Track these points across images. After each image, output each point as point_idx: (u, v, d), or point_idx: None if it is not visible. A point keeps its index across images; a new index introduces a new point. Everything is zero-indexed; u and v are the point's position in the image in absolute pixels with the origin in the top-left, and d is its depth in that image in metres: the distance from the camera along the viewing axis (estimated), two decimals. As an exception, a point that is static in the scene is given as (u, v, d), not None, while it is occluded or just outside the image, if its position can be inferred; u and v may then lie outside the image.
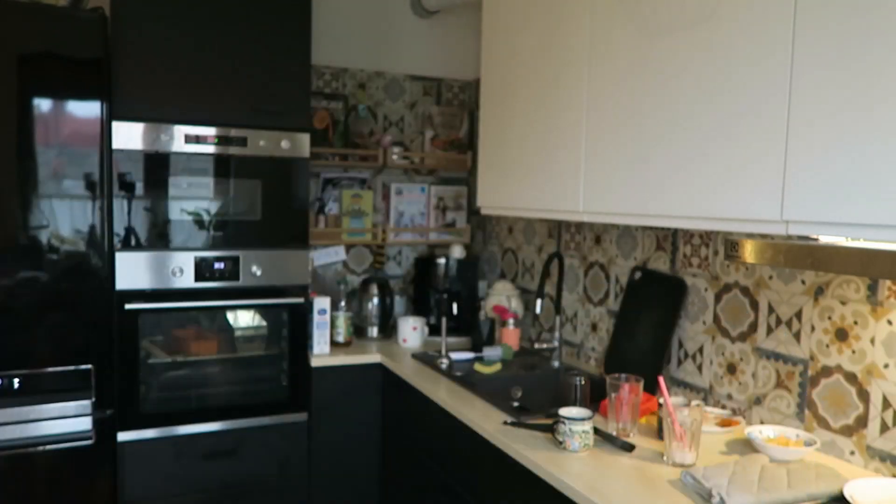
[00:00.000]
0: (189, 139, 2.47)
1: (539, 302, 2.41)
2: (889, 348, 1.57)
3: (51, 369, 2.29)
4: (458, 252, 3.13)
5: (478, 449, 1.95)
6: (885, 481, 1.45)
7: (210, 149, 2.50)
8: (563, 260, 2.66)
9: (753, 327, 1.91)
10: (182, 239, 2.50)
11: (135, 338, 2.43)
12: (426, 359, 2.61)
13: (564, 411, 1.76)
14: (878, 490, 1.40)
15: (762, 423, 1.87)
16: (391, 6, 3.26)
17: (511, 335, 2.70)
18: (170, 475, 2.50)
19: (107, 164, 2.33)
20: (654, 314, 2.22)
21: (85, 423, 2.33)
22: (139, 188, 2.42)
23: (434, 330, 2.98)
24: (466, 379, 2.36)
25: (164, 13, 2.40)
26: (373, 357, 2.74)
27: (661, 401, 1.66)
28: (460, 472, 2.11)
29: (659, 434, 1.77)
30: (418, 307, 3.18)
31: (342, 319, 2.83)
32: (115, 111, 2.35)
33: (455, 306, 3.04)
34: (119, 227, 2.40)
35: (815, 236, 1.41)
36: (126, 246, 2.42)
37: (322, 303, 2.71)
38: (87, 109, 2.28)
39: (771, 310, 1.86)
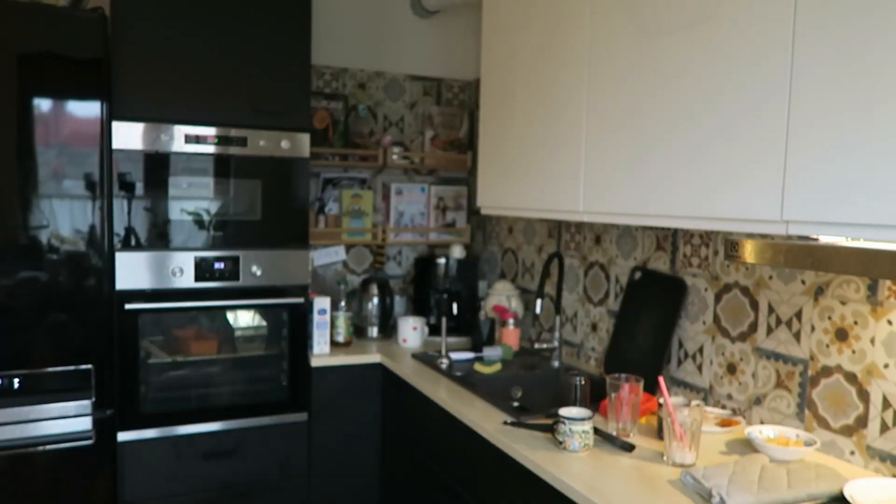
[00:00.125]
0: (189, 139, 2.47)
1: (539, 302, 2.41)
2: (889, 348, 1.58)
3: (51, 369, 2.29)
4: (458, 252, 3.13)
5: (478, 449, 1.95)
6: (885, 481, 1.45)
7: (210, 149, 2.50)
8: (563, 260, 2.66)
9: (753, 327, 1.91)
10: (182, 239, 2.50)
11: (135, 338, 2.43)
12: (426, 359, 2.61)
13: (564, 411, 1.76)
14: (878, 490, 1.40)
15: (762, 423, 1.87)
16: (391, 6, 3.26)
17: (511, 335, 2.70)
18: (170, 475, 2.50)
19: (107, 164, 2.33)
20: (654, 314, 2.22)
21: (85, 423, 2.33)
22: (139, 188, 2.42)
23: (434, 330, 2.98)
24: (466, 379, 2.36)
25: (164, 13, 2.40)
26: (373, 357, 2.74)
27: (661, 401, 1.66)
28: (460, 472, 2.11)
29: (659, 434, 1.77)
30: (418, 307, 3.18)
31: (342, 319, 2.83)
32: (115, 111, 2.35)
33: (455, 306, 3.04)
34: (119, 227, 2.40)
35: (815, 236, 1.41)
36: (126, 246, 2.42)
37: (322, 303, 2.71)
38: (87, 109, 2.28)
39: (771, 310, 1.86)
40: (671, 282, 2.18)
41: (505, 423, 1.90)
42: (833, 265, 1.29)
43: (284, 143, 2.59)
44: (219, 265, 2.53)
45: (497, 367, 2.52)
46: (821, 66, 1.29)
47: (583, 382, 2.05)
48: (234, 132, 2.53)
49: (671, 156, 1.65)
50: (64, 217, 2.27)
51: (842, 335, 1.68)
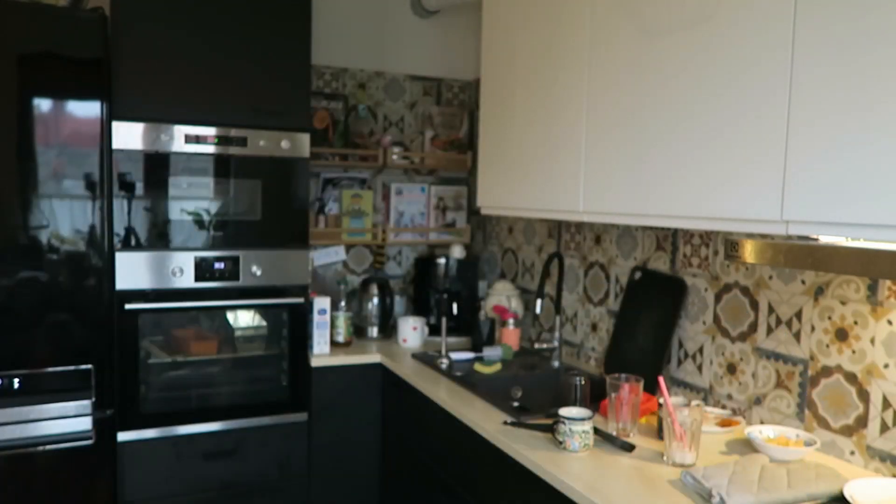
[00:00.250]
0: (189, 139, 2.47)
1: (539, 302, 2.41)
2: (889, 348, 1.58)
3: (51, 369, 2.29)
4: (458, 252, 3.13)
5: (478, 449, 1.95)
6: (885, 481, 1.45)
7: (210, 149, 2.50)
8: (563, 260, 2.66)
9: (753, 327, 1.91)
10: (182, 239, 2.50)
11: (135, 338, 2.43)
12: (426, 359, 2.61)
13: (564, 411, 1.76)
14: (878, 490, 1.40)
15: (762, 423, 1.88)
16: (391, 6, 3.26)
17: (511, 335, 2.70)
18: (170, 475, 2.50)
19: (107, 164, 2.33)
20: (654, 314, 2.22)
21: (85, 423, 2.33)
22: (139, 188, 2.42)
23: (434, 330, 2.98)
24: (466, 379, 2.36)
25: (164, 13, 2.40)
26: (373, 357, 2.74)
27: (661, 401, 1.66)
28: (460, 472, 2.11)
29: (659, 434, 1.77)
30: (418, 307, 3.18)
31: (342, 319, 2.83)
32: (115, 111, 2.35)
33: (455, 306, 3.04)
34: (119, 227, 2.40)
35: (815, 236, 1.41)
36: (126, 246, 2.41)
37: (322, 303, 2.71)
38: (87, 109, 2.28)
39: (771, 310, 1.86)
40: (671, 282, 2.18)
41: (505, 423, 1.90)
42: (833, 265, 1.29)
43: (284, 143, 2.59)
44: (219, 265, 2.53)
45: (497, 367, 2.52)
46: (821, 66, 1.29)
47: (583, 382, 2.04)
48: (234, 132, 2.53)
49: (671, 156, 1.65)
50: (64, 217, 2.27)
51: (842, 335, 1.68)
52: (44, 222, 2.25)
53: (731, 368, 1.98)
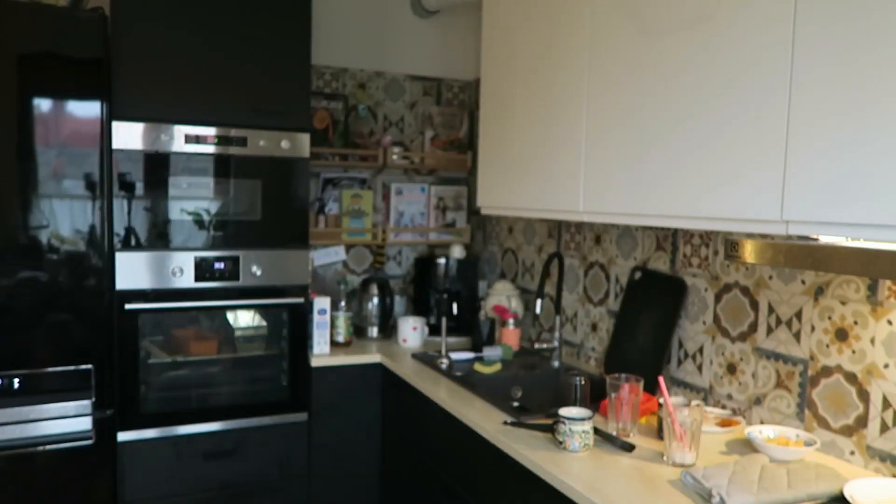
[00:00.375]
0: (189, 139, 2.47)
1: (539, 302, 2.41)
2: (889, 348, 1.57)
3: (51, 369, 2.29)
4: (458, 252, 3.13)
5: (478, 449, 1.95)
6: (885, 481, 1.45)
7: (210, 149, 2.50)
8: (563, 260, 2.66)
9: (753, 327, 1.91)
10: (182, 239, 2.50)
11: (135, 338, 2.43)
12: (426, 359, 2.61)
13: (564, 411, 1.76)
14: (878, 490, 1.40)
15: (762, 423, 1.87)
16: (391, 6, 3.26)
17: (511, 335, 2.70)
18: (170, 475, 2.50)
19: (107, 164, 2.33)
20: (654, 314, 2.22)
21: (85, 423, 2.33)
22: (139, 188, 2.42)
23: (434, 330, 2.98)
24: (466, 379, 2.36)
25: (164, 13, 2.40)
26: (373, 357, 2.74)
27: (661, 401, 1.66)
28: (460, 472, 2.11)
29: (659, 434, 1.77)
30: (418, 307, 3.18)
31: (342, 319, 2.83)
32: (115, 111, 2.35)
33: (455, 306, 3.04)
34: (119, 227, 2.40)
35: (815, 236, 1.41)
36: (126, 246, 2.42)
37: (322, 303, 2.71)
38: (86, 109, 2.28)
39: (771, 310, 1.86)
40: (671, 282, 2.18)
41: (505, 423, 1.90)
42: (833, 265, 1.29)
43: (284, 143, 2.59)
44: (219, 265, 2.53)
45: (497, 367, 2.52)
46: (821, 66, 1.29)
47: (583, 382, 2.05)
48: (234, 132, 2.53)
49: (671, 156, 1.65)
50: (64, 217, 2.27)
51: (842, 335, 1.68)
52: (44, 222, 2.25)
53: (731, 368, 1.98)
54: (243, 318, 2.69)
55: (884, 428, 1.58)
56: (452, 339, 2.93)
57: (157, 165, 2.44)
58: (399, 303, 3.26)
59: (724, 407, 2.00)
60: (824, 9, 1.29)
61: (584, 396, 2.04)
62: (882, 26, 1.19)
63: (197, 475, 2.54)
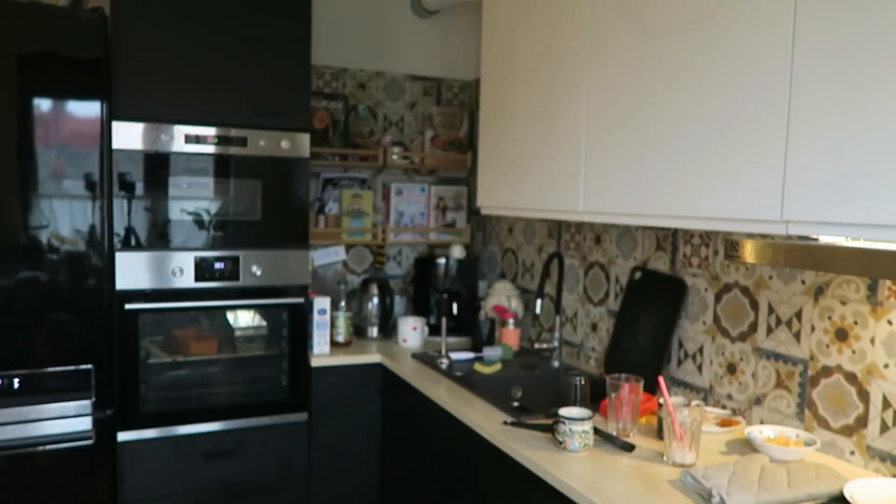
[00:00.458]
0: (189, 139, 2.47)
1: (539, 302, 2.41)
2: (889, 348, 1.57)
3: (51, 369, 2.29)
4: (458, 252, 3.13)
5: (478, 449, 1.95)
6: (885, 481, 1.45)
7: (210, 149, 2.50)
8: (563, 260, 2.66)
9: (753, 327, 1.91)
10: (182, 239, 2.50)
11: (135, 338, 2.43)
12: (426, 359, 2.61)
13: (564, 411, 1.76)
14: (878, 490, 1.40)
15: (762, 423, 1.87)
16: (391, 6, 3.26)
17: (511, 335, 2.70)
18: (170, 475, 2.50)
19: (107, 164, 2.33)
20: (654, 314, 2.22)
21: (85, 423, 2.33)
22: (139, 188, 2.42)
23: (434, 330, 2.98)
24: (466, 379, 2.36)
25: (164, 13, 2.40)
26: (373, 357, 2.74)
27: (661, 401, 1.66)
28: (460, 472, 2.11)
29: (659, 434, 1.77)
30: (418, 307, 3.18)
31: (342, 319, 2.83)
32: (115, 111, 2.35)
33: (455, 306, 3.04)
34: (119, 227, 2.40)
35: (815, 236, 1.41)
36: (126, 246, 2.42)
37: (322, 303, 2.71)
38: (86, 109, 2.28)
39: (771, 310, 1.86)
40: (671, 282, 2.18)
41: (505, 423, 1.90)
42: (833, 265, 1.29)
43: (284, 143, 2.59)
44: (219, 265, 2.53)
45: (497, 367, 2.52)
46: (821, 66, 1.29)
47: (583, 382, 2.05)
48: (234, 132, 2.53)
49: (671, 156, 1.65)
50: (64, 217, 2.27)
51: (842, 335, 1.68)
52: (44, 222, 2.25)
53: (731, 368, 1.98)
54: (243, 318, 2.69)
55: (884, 428, 1.58)
56: (452, 339, 2.93)
57: (157, 165, 2.44)
58: (399, 303, 3.26)
59: (724, 407, 2.00)
60: (824, 9, 1.29)
61: (584, 396, 2.04)
62: (882, 26, 1.19)
63: (197, 475, 2.54)
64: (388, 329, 3.03)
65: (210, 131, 2.50)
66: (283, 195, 2.62)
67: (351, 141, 3.11)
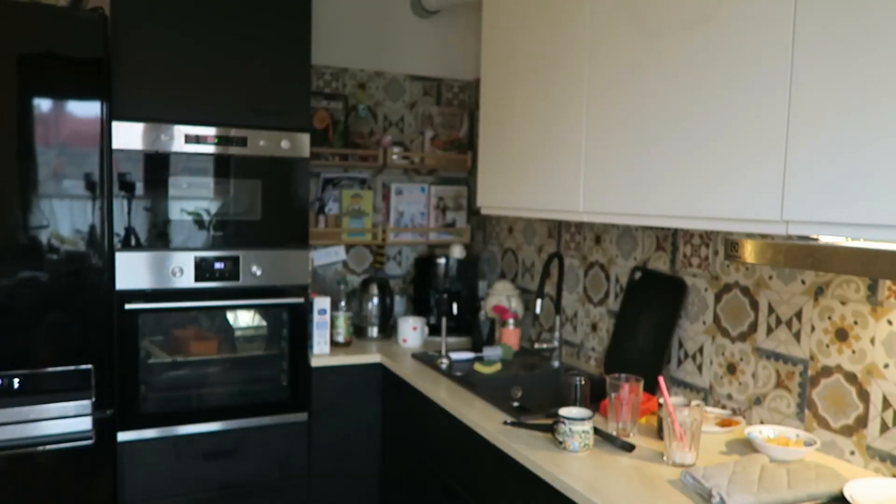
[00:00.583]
0: (189, 139, 2.47)
1: (539, 302, 2.41)
2: (889, 348, 1.58)
3: (51, 369, 2.29)
4: (458, 252, 3.13)
5: (478, 449, 1.95)
6: (885, 481, 1.45)
7: (210, 149, 2.50)
8: (563, 260, 2.66)
9: (753, 327, 1.91)
10: (182, 239, 2.50)
11: (135, 338, 2.43)
12: (426, 359, 2.61)
13: (564, 411, 1.76)
14: (878, 490, 1.40)
15: (762, 423, 1.87)
16: (391, 6, 3.26)
17: (511, 335, 2.70)
18: (170, 475, 2.50)
19: (107, 164, 2.33)
20: (654, 314, 2.22)
21: (85, 423, 2.33)
22: (139, 188, 2.42)
23: (434, 330, 2.98)
24: (466, 379, 2.36)
25: (164, 13, 2.40)
26: (373, 357, 2.74)
27: (661, 401, 1.66)
28: (460, 472, 2.11)
29: (659, 434, 1.77)
30: (418, 307, 3.18)
31: (342, 319, 2.83)
32: (115, 111, 2.35)
33: (455, 306, 3.04)
34: (119, 227, 2.40)
35: (815, 236, 1.41)
36: (126, 246, 2.42)
37: (322, 303, 2.71)
38: (87, 109, 2.28)
39: (771, 310, 1.86)
40: (671, 282, 2.18)
41: (505, 423, 1.90)
42: (833, 265, 1.29)
43: (284, 143, 2.59)
44: (219, 265, 2.53)
45: (497, 367, 2.52)
46: (821, 66, 1.29)
47: (583, 382, 2.05)
48: (234, 132, 2.53)
49: (671, 155, 1.65)
50: (64, 217, 2.27)
51: (842, 335, 1.68)
52: (44, 222, 2.25)
53: (731, 368, 1.98)
54: (243, 318, 2.69)
55: (884, 428, 1.58)
56: (452, 339, 2.93)
57: (157, 165, 2.44)
58: (399, 303, 3.26)
59: (724, 407, 2.00)
60: (824, 9, 1.29)
61: (584, 396, 2.04)
62: (882, 26, 1.19)
63: (197, 475, 2.54)
64: (388, 329, 3.03)
65: (210, 131, 2.50)
66: (283, 195, 2.62)
67: (351, 141, 3.11)
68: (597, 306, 2.55)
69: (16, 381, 2.24)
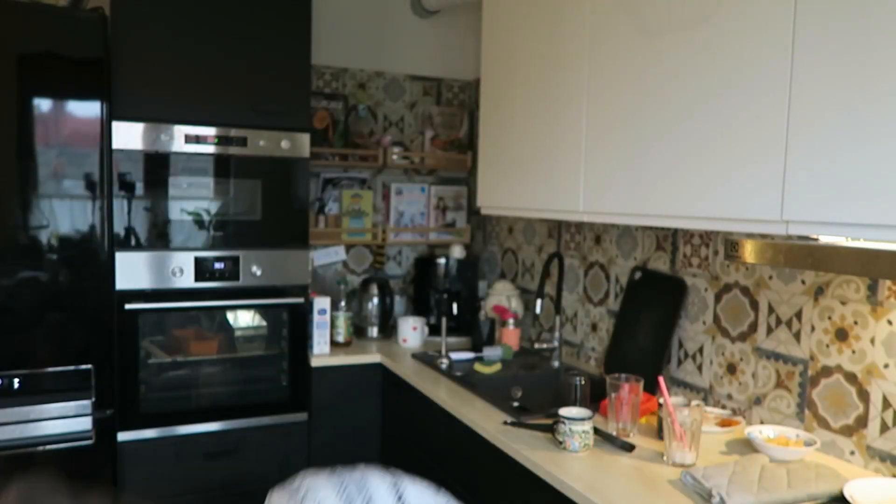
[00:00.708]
0: (189, 139, 2.47)
1: (539, 302, 2.41)
2: (889, 348, 1.57)
3: (51, 369, 2.29)
4: (458, 252, 3.13)
5: (478, 449, 1.95)
6: (885, 481, 1.45)
7: (210, 149, 2.50)
8: (563, 260, 2.66)
9: (753, 327, 1.91)
10: (182, 239, 2.50)
11: (135, 338, 2.43)
12: (426, 359, 2.61)
13: (564, 411, 1.76)
14: (878, 490, 1.40)
15: (762, 423, 1.87)
16: (391, 6, 3.26)
17: (511, 335, 2.70)
18: (170, 475, 2.50)
19: (107, 164, 2.33)
20: (654, 314, 2.22)
21: (85, 423, 2.33)
22: (139, 188, 2.42)
23: (434, 330, 2.98)
24: (466, 379, 2.36)
25: (164, 13, 2.40)
26: (373, 357, 2.74)
27: (661, 401, 1.66)
28: (460, 471, 2.11)
29: (659, 434, 1.77)
30: (418, 307, 3.18)
31: (342, 319, 2.83)
32: (115, 111, 2.35)
33: (455, 306, 3.04)
34: (119, 227, 2.40)
35: (815, 236, 1.41)
36: (126, 246, 2.41)
37: (322, 303, 2.71)
38: (87, 109, 2.28)
39: (771, 310, 1.86)
40: (671, 282, 2.18)
41: (505, 423, 1.90)
42: (833, 265, 1.29)
43: (284, 143, 2.59)
44: (219, 265, 2.53)
45: (497, 367, 2.52)
46: (821, 66, 1.29)
47: (583, 382, 2.05)
48: (234, 132, 2.53)
49: (671, 155, 1.65)
50: (64, 217, 2.27)
51: (842, 335, 1.68)
52: (44, 222, 2.25)
53: (731, 368, 1.98)
54: (243, 318, 2.69)
55: (884, 428, 1.58)
56: (452, 339, 2.93)
57: (157, 165, 2.44)
58: (399, 303, 3.26)
59: (724, 407, 2.00)
60: (824, 9, 1.29)
61: (584, 396, 2.04)
62: (882, 26, 1.19)
63: (197, 475, 2.54)
64: (388, 329, 3.03)
65: (210, 131, 2.50)
66: (283, 195, 2.62)
67: (351, 141, 3.11)
68: (597, 306, 2.55)
69: (16, 381, 2.24)
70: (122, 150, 2.38)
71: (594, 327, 2.56)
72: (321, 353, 2.70)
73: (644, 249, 2.33)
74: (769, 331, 1.87)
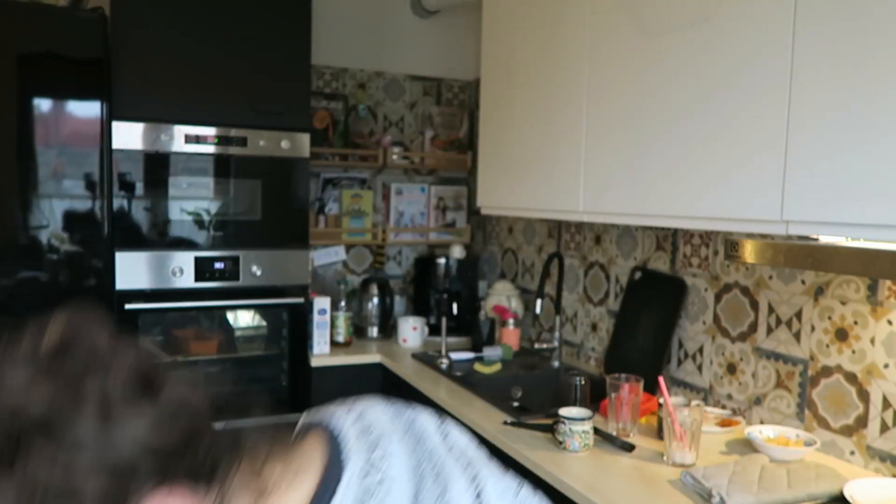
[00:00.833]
0: (189, 139, 2.47)
1: (539, 302, 2.41)
2: (889, 348, 1.57)
3: (51, 369, 2.28)
4: (458, 252, 3.13)
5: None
6: (885, 481, 1.45)
7: (210, 149, 2.50)
8: (563, 260, 2.66)
9: (753, 327, 1.91)
10: (182, 239, 2.50)
11: (135, 338, 2.43)
12: (426, 359, 2.61)
13: (564, 411, 1.76)
14: (878, 490, 1.40)
15: (762, 423, 1.87)
16: (391, 6, 3.26)
17: (511, 335, 2.70)
18: (170, 475, 2.50)
19: (107, 164, 2.33)
20: (654, 314, 2.22)
21: (85, 423, 2.33)
22: (139, 188, 2.42)
23: (434, 330, 2.98)
24: (466, 379, 2.36)
25: (164, 13, 2.40)
26: (373, 357, 2.74)
27: (661, 401, 1.66)
28: (460, 472, 2.11)
29: (659, 434, 1.77)
30: (418, 307, 3.18)
31: (342, 319, 2.83)
32: (115, 111, 2.35)
33: (455, 306, 3.04)
34: (119, 227, 2.40)
35: (815, 236, 1.40)
36: (126, 246, 2.41)
37: (322, 303, 2.71)
38: (87, 109, 2.28)
39: (771, 310, 1.86)
40: (671, 282, 2.18)
41: (505, 423, 1.90)
42: (833, 265, 1.29)
43: (284, 143, 2.59)
44: (219, 265, 2.53)
45: (497, 367, 2.51)
46: (821, 65, 1.29)
47: (583, 382, 2.04)
48: (234, 132, 2.53)
49: (671, 155, 1.65)
50: (64, 217, 2.27)
51: (842, 335, 1.68)
52: (44, 222, 2.25)
53: (731, 368, 1.98)
54: (243, 318, 2.69)
55: (884, 428, 1.58)
56: (452, 339, 2.92)
57: (157, 165, 2.44)
58: (399, 303, 3.26)
59: (724, 407, 2.00)
60: (824, 8, 1.29)
61: (584, 396, 2.04)
62: (882, 26, 1.19)
63: (197, 475, 2.54)
64: (388, 329, 3.03)
65: (210, 131, 2.50)
66: (283, 195, 2.62)
67: (351, 141, 3.11)
68: (597, 306, 2.55)
69: (16, 381, 2.23)
70: (122, 150, 2.38)
71: (594, 327, 2.56)
72: (321, 353, 2.70)
73: (644, 249, 2.33)
74: (769, 331, 1.87)
